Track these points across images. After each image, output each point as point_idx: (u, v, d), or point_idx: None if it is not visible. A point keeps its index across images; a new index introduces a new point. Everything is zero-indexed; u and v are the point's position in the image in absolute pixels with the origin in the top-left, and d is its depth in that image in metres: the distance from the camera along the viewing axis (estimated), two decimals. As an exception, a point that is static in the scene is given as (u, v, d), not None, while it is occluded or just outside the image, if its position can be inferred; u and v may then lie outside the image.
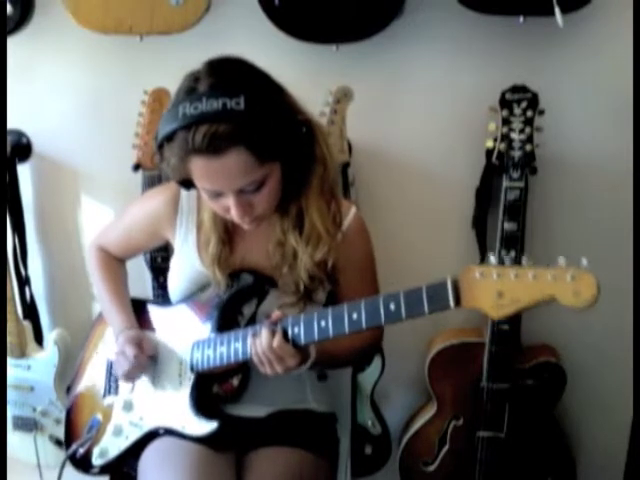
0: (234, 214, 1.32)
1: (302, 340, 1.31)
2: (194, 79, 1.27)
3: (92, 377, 1.65)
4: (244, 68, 1.30)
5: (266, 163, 1.27)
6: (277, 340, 1.30)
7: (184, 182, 1.34)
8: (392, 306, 1.21)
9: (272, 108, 1.25)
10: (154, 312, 1.62)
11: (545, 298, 1.10)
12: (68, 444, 1.64)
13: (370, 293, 1.47)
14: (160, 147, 1.28)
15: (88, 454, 1.57)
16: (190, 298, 1.54)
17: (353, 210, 1.49)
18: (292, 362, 1.32)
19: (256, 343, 1.33)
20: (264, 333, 1.32)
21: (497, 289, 1.12)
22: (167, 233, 1.54)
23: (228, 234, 1.48)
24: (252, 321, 1.45)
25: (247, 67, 1.31)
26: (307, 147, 1.32)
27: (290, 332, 1.32)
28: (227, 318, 1.46)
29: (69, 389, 1.72)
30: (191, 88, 1.25)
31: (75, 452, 1.57)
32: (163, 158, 1.29)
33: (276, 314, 1.35)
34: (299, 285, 1.44)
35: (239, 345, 1.38)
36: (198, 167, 1.26)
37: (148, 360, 1.50)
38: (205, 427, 1.42)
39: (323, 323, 1.28)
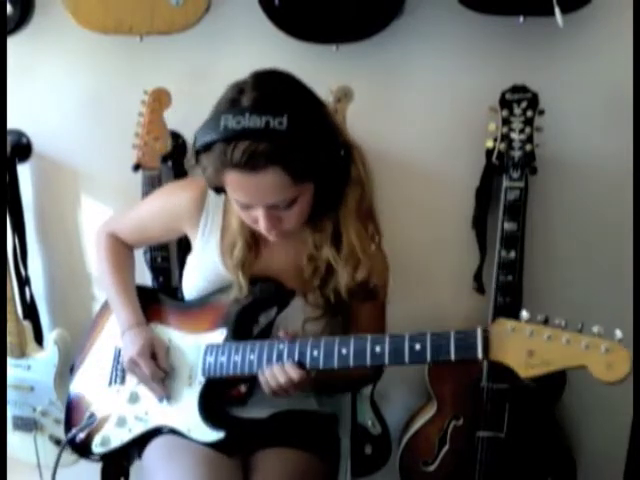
0: (262, 226, 1.33)
1: (320, 365, 1.31)
2: (239, 90, 1.26)
3: (98, 362, 1.64)
4: (290, 84, 1.30)
5: (301, 183, 1.27)
6: (294, 372, 1.32)
7: (216, 188, 1.35)
8: (417, 347, 1.22)
9: (314, 130, 1.25)
10: (167, 305, 1.61)
11: (577, 365, 1.10)
12: (68, 426, 1.63)
13: (377, 319, 1.52)
14: (197, 153, 1.28)
15: (88, 440, 1.56)
16: (204, 301, 1.53)
17: (377, 237, 1.50)
18: (303, 383, 1.34)
19: (270, 380, 1.34)
20: (277, 371, 1.33)
21: (528, 347, 1.12)
22: (188, 230, 1.54)
23: (254, 240, 1.47)
24: (268, 330, 1.45)
25: (293, 84, 1.30)
26: (343, 169, 1.32)
27: (308, 356, 1.31)
28: (243, 326, 1.46)
29: (72, 370, 1.71)
30: (234, 100, 1.25)
31: (74, 437, 1.57)
32: (199, 163, 1.30)
33: (284, 334, 1.36)
34: (329, 299, 1.45)
35: (254, 357, 1.37)
36: (233, 180, 1.26)
37: (163, 374, 1.49)
38: (211, 435, 1.42)
39: (344, 351, 1.28)
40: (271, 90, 1.26)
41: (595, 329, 1.10)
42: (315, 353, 1.31)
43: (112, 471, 1.88)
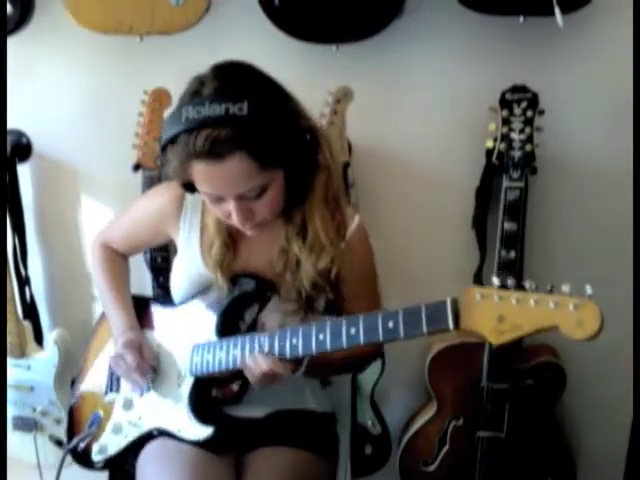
0: (235, 219, 1.32)
1: (300, 352, 1.31)
2: (199, 83, 1.26)
3: (96, 373, 1.65)
4: (250, 73, 1.30)
5: (268, 170, 1.26)
6: (268, 361, 1.31)
7: (187, 185, 1.34)
8: (390, 324, 1.21)
9: (275, 114, 1.24)
10: (157, 312, 1.62)
11: (547, 326, 1.07)
12: (70, 437, 1.64)
13: (371, 301, 1.49)
14: (164, 149, 1.28)
15: (88, 449, 1.57)
16: (192, 301, 1.53)
17: (357, 219, 1.48)
18: (285, 372, 1.33)
19: (248, 368, 1.34)
20: (256, 358, 1.32)
21: (498, 313, 1.10)
22: (171, 231, 1.54)
23: (232, 238, 1.47)
24: (253, 326, 1.46)
25: (253, 72, 1.30)
26: (310, 154, 1.32)
27: (288, 345, 1.31)
28: (228, 323, 1.45)
29: (73, 383, 1.72)
30: (196, 92, 1.25)
31: (76, 446, 1.58)
32: (166, 160, 1.29)
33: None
34: (301, 293, 1.44)
35: (237, 352, 1.38)
36: (199, 171, 1.26)
37: (149, 368, 1.50)
38: (200, 432, 1.42)
39: (321, 336, 1.28)
40: (231, 79, 1.26)
41: (565, 288, 1.07)
42: (294, 341, 1.31)
43: (120, 477, 1.87)
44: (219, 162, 1.22)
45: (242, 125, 1.20)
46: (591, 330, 1.05)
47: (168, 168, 1.30)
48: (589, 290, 1.06)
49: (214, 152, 1.21)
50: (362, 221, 1.49)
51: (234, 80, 1.26)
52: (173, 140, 1.24)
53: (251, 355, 1.34)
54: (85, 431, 1.57)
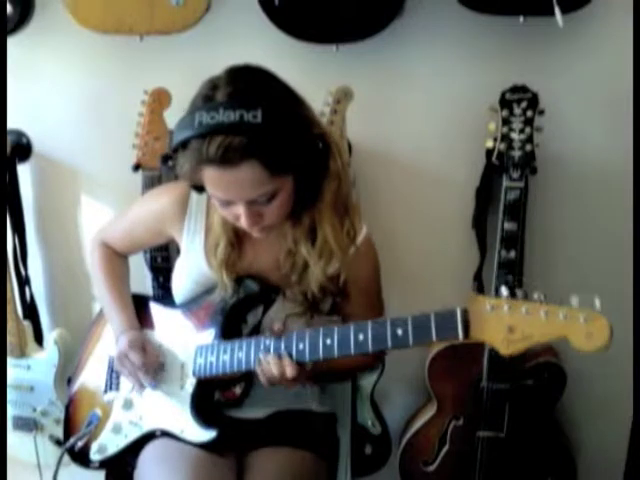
0: (244, 223, 1.32)
1: (307, 358, 1.31)
2: (213, 86, 1.25)
3: (93, 372, 1.65)
4: (264, 79, 1.29)
5: (279, 177, 1.26)
6: (289, 367, 1.32)
7: (196, 187, 1.34)
8: (399, 331, 1.22)
9: (289, 123, 1.24)
10: (157, 311, 1.62)
11: (557, 337, 1.09)
12: (67, 436, 1.64)
13: (372, 311, 1.49)
14: (174, 151, 1.28)
15: (86, 448, 1.57)
16: (192, 303, 1.54)
17: (365, 229, 1.49)
18: (293, 373, 1.33)
19: (264, 369, 1.34)
20: (272, 361, 1.32)
21: (508, 323, 1.11)
22: (174, 232, 1.54)
23: (238, 238, 1.47)
24: (256, 329, 1.46)
25: (267, 78, 1.29)
26: (322, 162, 1.32)
27: (294, 350, 1.32)
28: (232, 325, 1.46)
29: (69, 381, 1.72)
30: (209, 96, 1.24)
31: (73, 445, 1.57)
32: (177, 162, 1.28)
33: (278, 326, 1.35)
34: (306, 295, 1.45)
35: (242, 355, 1.38)
36: (210, 177, 1.26)
37: (154, 366, 1.50)
38: (204, 435, 1.43)
39: (329, 341, 1.28)
40: (245, 85, 1.25)
41: (574, 301, 1.09)
42: (300, 346, 1.31)
43: (116, 477, 1.88)
44: (230, 169, 1.22)
45: (255, 133, 1.19)
46: (600, 343, 1.07)
47: (178, 170, 1.29)
48: (598, 304, 1.08)
49: (226, 159, 1.20)
50: (369, 234, 1.50)
51: (248, 85, 1.25)
52: (185, 144, 1.24)
53: (269, 356, 1.34)
54: (82, 430, 1.57)
